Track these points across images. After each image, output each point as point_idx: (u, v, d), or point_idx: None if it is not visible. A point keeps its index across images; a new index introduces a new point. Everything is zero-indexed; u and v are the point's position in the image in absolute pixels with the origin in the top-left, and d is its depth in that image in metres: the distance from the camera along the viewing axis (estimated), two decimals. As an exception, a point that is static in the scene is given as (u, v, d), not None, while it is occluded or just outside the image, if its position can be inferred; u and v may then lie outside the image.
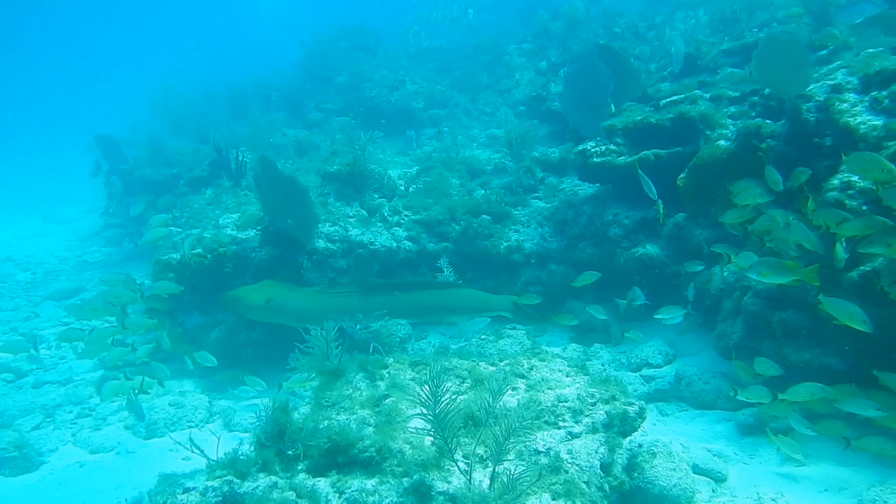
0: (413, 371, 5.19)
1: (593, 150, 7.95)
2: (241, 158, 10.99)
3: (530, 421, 3.94)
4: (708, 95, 7.63)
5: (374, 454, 3.97)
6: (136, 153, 14.92)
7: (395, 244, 8.84)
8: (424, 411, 3.79)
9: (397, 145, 13.70)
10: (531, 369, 5.14)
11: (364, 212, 9.34)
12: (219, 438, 4.13)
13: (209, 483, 3.72)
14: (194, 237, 8.53)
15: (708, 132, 6.88)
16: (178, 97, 19.34)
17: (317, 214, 8.45)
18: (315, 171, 10.15)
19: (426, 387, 3.72)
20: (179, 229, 9.28)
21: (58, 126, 33.26)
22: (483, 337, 7.96)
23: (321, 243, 8.43)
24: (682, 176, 6.65)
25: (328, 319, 7.74)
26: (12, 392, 7.77)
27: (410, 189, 10.01)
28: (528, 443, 4.26)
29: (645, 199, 7.59)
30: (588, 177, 8.48)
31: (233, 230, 8.61)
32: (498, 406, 4.00)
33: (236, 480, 3.78)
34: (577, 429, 4.45)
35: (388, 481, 3.81)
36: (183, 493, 3.64)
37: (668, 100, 8.03)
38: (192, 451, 3.94)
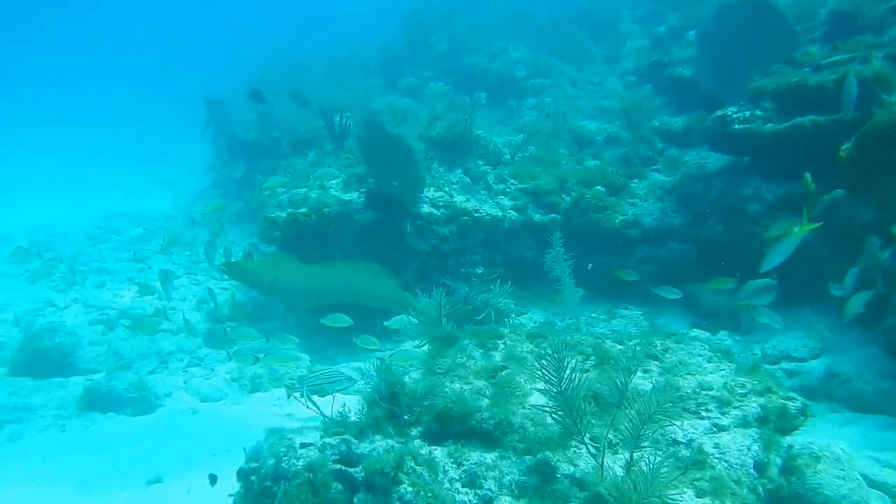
0: (531, 343, 4.89)
1: (735, 115, 7.19)
2: (344, 122, 10.88)
3: (669, 406, 3.51)
4: (881, 55, 6.66)
5: (493, 427, 3.72)
6: (243, 116, 15.20)
7: (500, 213, 8.45)
8: (547, 387, 3.51)
9: (496, 114, 13.21)
10: (665, 351, 4.71)
11: (467, 179, 9.00)
12: (334, 398, 3.96)
13: (327, 440, 3.56)
14: (300, 195, 8.48)
15: (884, 96, 5.99)
16: (278, 64, 19.58)
17: (423, 177, 8.20)
18: (416, 136, 9.88)
19: (544, 361, 3.46)
20: (284, 189, 9.25)
21: (165, 90, 34.76)
22: (593, 315, 7.48)
23: (425, 208, 8.16)
24: (846, 146, 5.83)
25: (330, 295, 7.72)
26: (130, 337, 8.05)
27: (516, 157, 9.55)
28: (665, 431, 3.84)
29: (789, 172, 6.84)
30: (724, 146, 7.73)
31: (338, 191, 8.48)
32: (629, 388, 3.62)
33: (353, 440, 3.58)
34: (724, 421, 4.02)
35: (508, 457, 3.57)
36: (301, 447, 3.49)
37: (831, 59, 7.10)
38: (309, 407, 3.78)
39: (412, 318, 5.83)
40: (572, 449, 3.61)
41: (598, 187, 8.45)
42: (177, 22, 50.19)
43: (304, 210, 8.26)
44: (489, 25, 17.25)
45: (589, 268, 7.19)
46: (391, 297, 7.51)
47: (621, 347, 4.76)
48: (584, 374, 4.06)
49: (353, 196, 8.44)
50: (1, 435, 6.01)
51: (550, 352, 3.48)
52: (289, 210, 8.38)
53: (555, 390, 3.50)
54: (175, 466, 5.31)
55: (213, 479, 4.49)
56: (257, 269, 7.86)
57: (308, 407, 3.82)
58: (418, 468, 3.46)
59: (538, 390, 3.96)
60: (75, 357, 7.51)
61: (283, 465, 3.40)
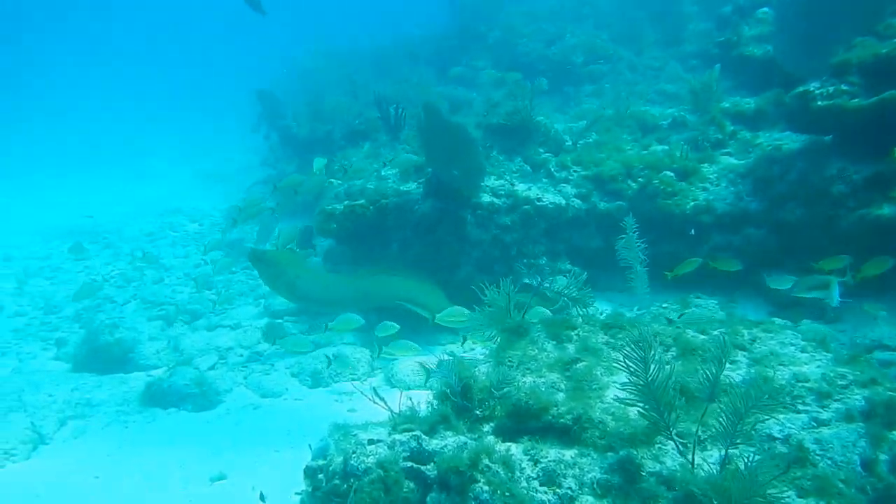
0: (606, 335, 4.64)
1: (817, 92, 6.71)
2: (399, 112, 10.75)
3: (764, 399, 3.22)
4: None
5: (571, 423, 3.50)
6: (295, 109, 15.25)
7: (563, 201, 8.16)
8: (631, 379, 3.25)
9: (553, 102, 12.89)
10: (753, 341, 4.38)
11: (528, 167, 8.73)
12: (401, 392, 3.83)
13: (396, 436, 3.41)
14: (357, 187, 8.37)
15: None
16: (326, 56, 19.58)
17: (483, 165, 7.97)
18: (472, 125, 9.66)
19: (627, 349, 3.22)
20: (340, 181, 9.18)
21: (210, 89, 35.23)
22: (665, 305, 7.12)
23: (486, 198, 7.94)
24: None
25: (349, 303, 7.48)
26: (189, 332, 8.08)
27: (578, 144, 9.22)
28: (758, 426, 3.53)
29: (877, 150, 6.34)
30: (804, 125, 7.23)
31: (395, 182, 8.35)
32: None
33: (424, 437, 3.41)
34: (823, 415, 3.68)
35: (589, 454, 3.35)
36: (370, 444, 3.35)
37: (928, 27, 6.56)
38: (376, 402, 3.65)
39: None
40: (657, 445, 3.36)
41: (667, 172, 8.05)
42: (216, 20, 50.62)
43: (361, 202, 8.15)
44: (540, 11, 16.87)
45: (692, 233, 7.23)
46: (420, 302, 7.34)
47: (704, 337, 4.45)
48: (669, 366, 3.82)
49: (412, 186, 8.29)
50: (65, 430, 6.03)
51: (632, 342, 3.24)
52: (346, 202, 8.29)
53: (640, 382, 3.25)
54: (238, 463, 5.26)
55: (262, 498, 4.52)
56: (286, 262, 7.58)
57: (375, 402, 3.68)
58: (493, 466, 3.27)
59: (616, 384, 3.71)
60: (135, 353, 7.55)
61: (353, 462, 3.26)
